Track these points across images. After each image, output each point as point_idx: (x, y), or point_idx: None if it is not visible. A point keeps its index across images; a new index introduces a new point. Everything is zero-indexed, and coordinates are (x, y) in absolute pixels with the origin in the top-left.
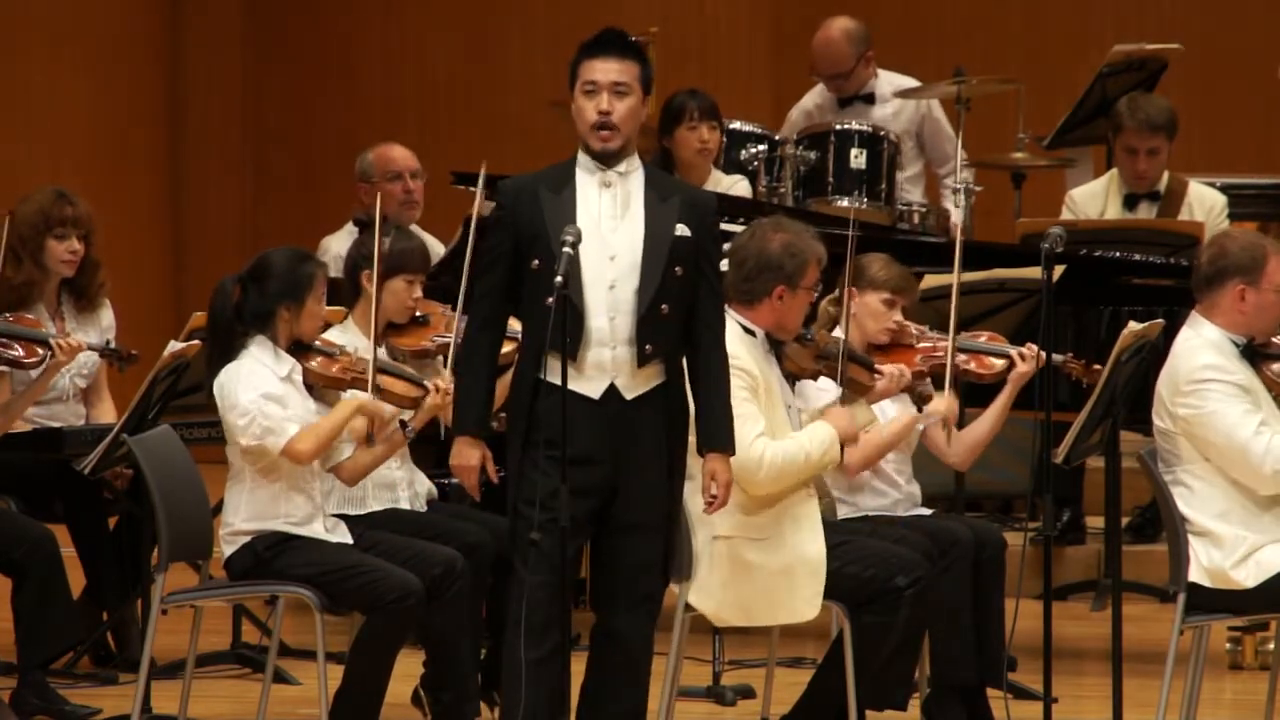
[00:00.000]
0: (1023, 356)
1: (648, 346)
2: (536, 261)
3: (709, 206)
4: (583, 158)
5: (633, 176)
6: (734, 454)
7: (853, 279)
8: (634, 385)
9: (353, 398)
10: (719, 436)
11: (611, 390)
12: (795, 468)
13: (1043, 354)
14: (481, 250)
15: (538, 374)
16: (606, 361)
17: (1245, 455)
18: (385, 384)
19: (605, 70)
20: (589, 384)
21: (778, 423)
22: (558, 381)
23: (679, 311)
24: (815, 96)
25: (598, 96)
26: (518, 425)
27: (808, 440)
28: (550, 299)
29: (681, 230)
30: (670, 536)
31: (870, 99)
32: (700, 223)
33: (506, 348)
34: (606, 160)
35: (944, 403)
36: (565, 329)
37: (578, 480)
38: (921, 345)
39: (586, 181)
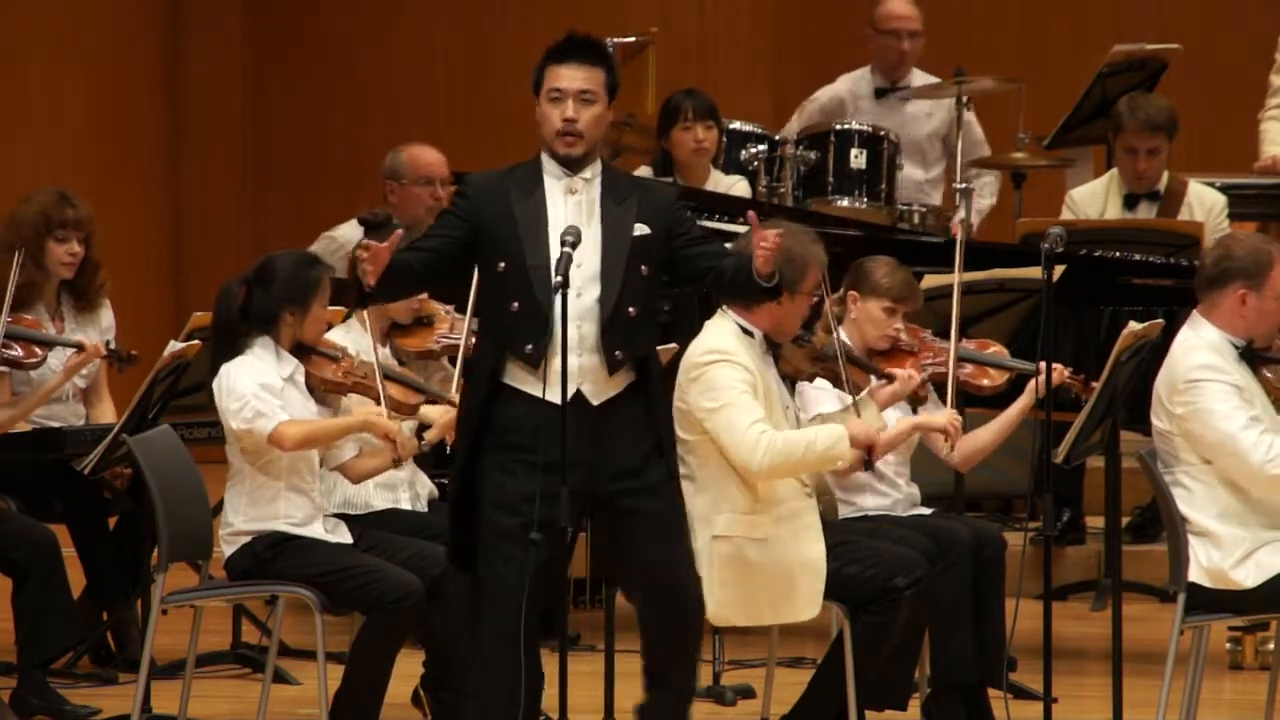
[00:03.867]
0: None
1: (617, 353)
2: (503, 264)
3: (667, 197)
4: (548, 162)
5: (595, 183)
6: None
7: (856, 283)
8: (601, 391)
9: (364, 411)
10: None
11: (577, 396)
12: (796, 454)
13: (1030, 361)
14: (428, 228)
15: (498, 377)
16: (572, 368)
17: (1236, 448)
18: (387, 389)
19: (571, 78)
20: (554, 391)
21: (775, 423)
22: (518, 385)
23: (649, 312)
24: (850, 84)
25: (563, 104)
26: (469, 422)
27: (814, 433)
28: (515, 303)
29: (640, 229)
30: (677, 524)
31: (905, 97)
32: (661, 215)
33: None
34: (571, 166)
35: (945, 416)
36: (565, 328)
37: (547, 485)
38: (922, 352)
39: (554, 187)
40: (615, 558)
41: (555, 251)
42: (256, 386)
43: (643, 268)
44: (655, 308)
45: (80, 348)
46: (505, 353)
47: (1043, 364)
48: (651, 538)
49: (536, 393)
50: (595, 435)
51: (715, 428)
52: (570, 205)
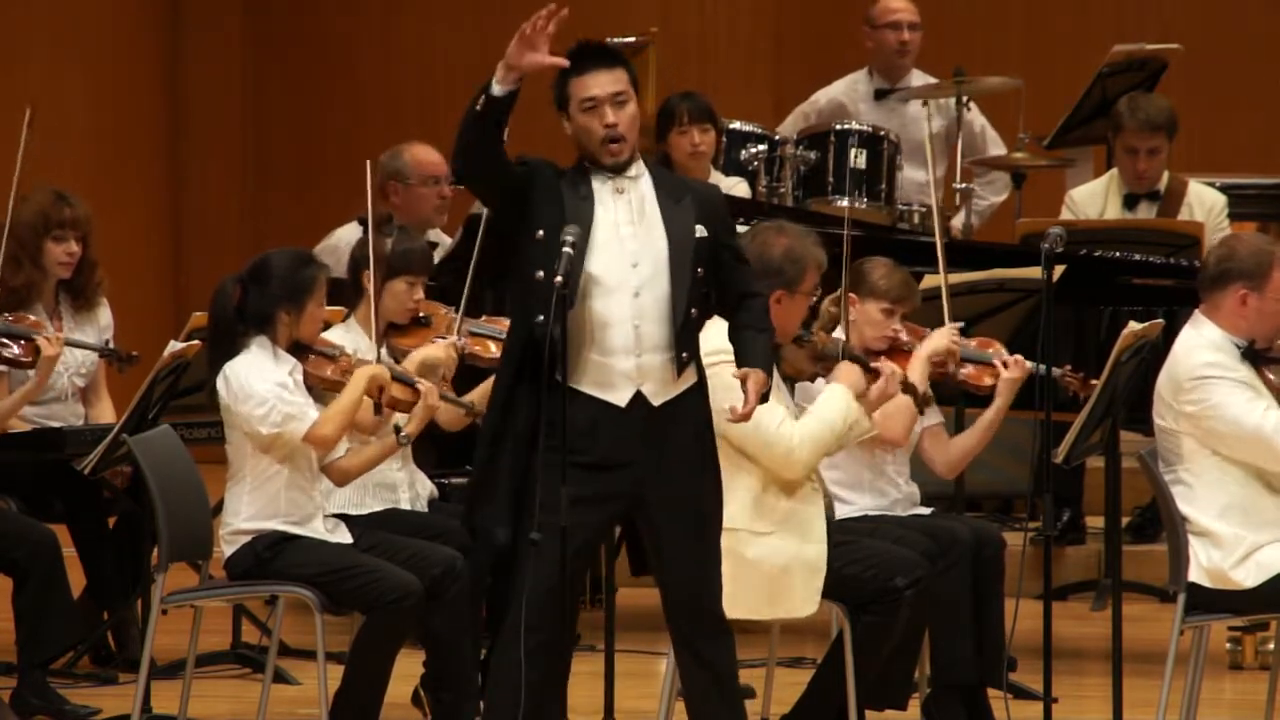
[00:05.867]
0: (1005, 364)
1: (684, 354)
2: (540, 232)
3: (719, 201)
4: (592, 168)
5: (642, 180)
6: (770, 378)
7: (853, 285)
8: (663, 391)
9: (363, 371)
10: (759, 361)
11: (638, 397)
12: (825, 441)
13: (1030, 361)
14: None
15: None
16: (631, 369)
17: (1259, 436)
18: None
19: (601, 84)
20: (614, 392)
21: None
22: (575, 384)
23: (704, 314)
24: (848, 86)
25: (600, 111)
26: (505, 405)
27: (827, 410)
28: (539, 273)
29: (700, 231)
30: (719, 544)
31: (905, 98)
32: (714, 219)
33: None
34: (616, 169)
35: (945, 336)
36: (564, 327)
37: (600, 486)
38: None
39: (601, 189)
40: (650, 554)
41: (606, 254)
42: (275, 387)
43: (699, 270)
44: (707, 310)
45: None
46: (554, 347)
47: (1031, 361)
48: (684, 549)
49: (594, 393)
50: (652, 437)
51: (741, 430)
52: (620, 205)
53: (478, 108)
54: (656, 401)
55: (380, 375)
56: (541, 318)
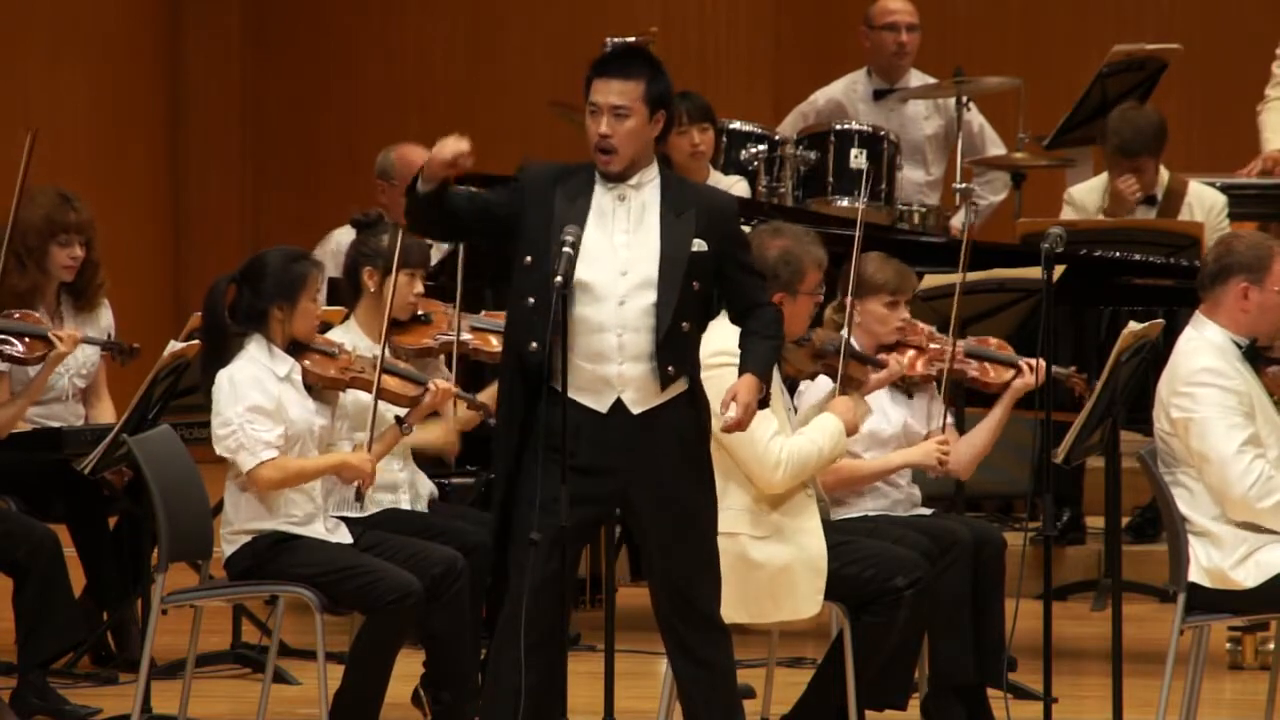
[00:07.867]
0: (1030, 368)
1: (670, 368)
2: (529, 258)
3: (728, 212)
4: (596, 171)
5: (647, 188)
6: (768, 384)
7: (851, 287)
8: (643, 400)
9: (343, 454)
10: (755, 366)
11: (618, 405)
12: (810, 465)
13: (1043, 365)
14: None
15: (544, 379)
16: (613, 376)
17: (1225, 472)
18: (385, 382)
19: (605, 92)
20: (595, 398)
21: (780, 427)
22: (558, 386)
23: (699, 327)
24: (847, 86)
25: (598, 118)
26: (511, 419)
27: (819, 435)
28: (530, 299)
29: (699, 245)
30: (712, 545)
31: (904, 98)
32: (719, 232)
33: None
34: (613, 177)
35: (933, 450)
36: (565, 328)
37: (581, 489)
38: (931, 347)
39: (601, 193)
40: (642, 559)
41: (597, 260)
42: (245, 411)
43: (695, 283)
44: (704, 323)
45: (50, 342)
46: (549, 351)
47: (1042, 363)
48: (671, 551)
49: (578, 398)
50: (632, 443)
51: (732, 436)
52: (619, 212)
53: (416, 192)
54: (635, 410)
55: (354, 469)
56: (535, 345)
